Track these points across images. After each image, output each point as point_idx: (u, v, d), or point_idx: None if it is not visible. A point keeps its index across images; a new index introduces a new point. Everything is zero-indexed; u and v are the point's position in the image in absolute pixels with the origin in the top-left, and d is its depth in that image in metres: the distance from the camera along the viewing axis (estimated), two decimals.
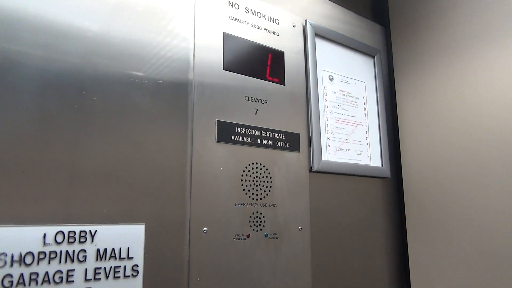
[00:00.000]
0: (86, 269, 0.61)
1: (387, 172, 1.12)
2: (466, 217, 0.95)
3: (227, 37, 0.87)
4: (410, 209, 1.10)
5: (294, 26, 1.01)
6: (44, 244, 0.58)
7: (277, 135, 0.90)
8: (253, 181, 0.85)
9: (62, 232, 0.60)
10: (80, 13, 0.68)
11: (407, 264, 1.11)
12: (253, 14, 0.93)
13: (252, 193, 0.84)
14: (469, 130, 0.97)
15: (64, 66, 0.65)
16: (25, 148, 0.59)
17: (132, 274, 0.66)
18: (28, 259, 0.57)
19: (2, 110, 0.58)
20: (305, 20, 1.03)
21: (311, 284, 0.90)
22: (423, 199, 1.06)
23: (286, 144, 0.92)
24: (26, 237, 0.57)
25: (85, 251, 0.62)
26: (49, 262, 0.58)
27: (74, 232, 0.61)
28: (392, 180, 1.18)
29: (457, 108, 1.00)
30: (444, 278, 0.98)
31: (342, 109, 1.07)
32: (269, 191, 0.87)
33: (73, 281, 0.60)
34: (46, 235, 0.59)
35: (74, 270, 0.60)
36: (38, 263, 0.57)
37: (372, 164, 1.10)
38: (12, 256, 0.56)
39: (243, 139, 0.85)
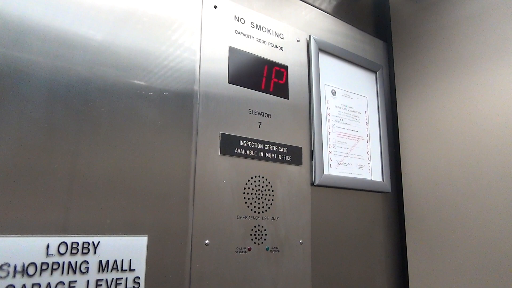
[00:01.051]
0: (88, 281, 0.61)
1: (387, 187, 1.13)
2: (466, 231, 0.96)
3: (232, 51, 0.88)
4: (410, 223, 1.10)
5: (298, 41, 1.02)
6: (47, 255, 0.58)
7: (280, 149, 0.91)
8: (255, 194, 0.85)
9: (65, 243, 0.60)
10: (86, 23, 0.69)
11: (406, 278, 1.10)
12: (258, 28, 0.95)
13: (254, 206, 0.84)
14: (469, 146, 0.98)
15: (71, 76, 0.66)
16: (30, 158, 0.60)
17: (134, 286, 0.65)
18: (31, 270, 0.57)
19: (9, 118, 0.59)
20: (309, 35, 1.04)
21: None
22: (423, 214, 1.07)
23: (288, 158, 0.92)
24: (30, 247, 0.57)
25: (87, 263, 0.61)
26: (51, 273, 0.58)
27: (77, 243, 0.61)
28: (393, 195, 1.18)
29: (457, 124, 1.01)
30: None
31: (344, 123, 1.08)
32: (271, 204, 0.87)
33: None
34: (50, 246, 0.59)
35: (76, 281, 0.60)
36: (40, 274, 0.57)
37: (373, 179, 1.11)
38: (15, 267, 0.56)
39: (246, 152, 0.85)
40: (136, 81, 0.73)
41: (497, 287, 0.88)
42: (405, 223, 1.11)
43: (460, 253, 0.96)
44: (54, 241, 0.59)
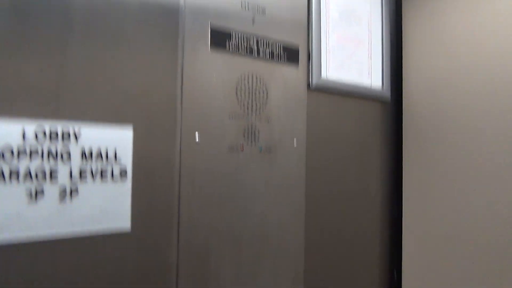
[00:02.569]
0: (70, 168, 0.58)
1: (387, 95, 1.08)
2: (463, 144, 0.93)
3: None
4: (408, 134, 1.07)
5: None
6: (24, 139, 0.55)
7: (275, 46, 0.84)
8: (248, 93, 0.80)
9: (44, 127, 0.56)
10: None
11: (400, 190, 1.10)
12: None
13: (247, 107, 0.80)
14: (474, 57, 0.92)
15: None
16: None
17: (120, 177, 0.63)
18: (7, 154, 0.53)
19: None
20: None
21: (304, 200, 0.89)
22: (422, 125, 1.03)
23: (284, 57, 0.86)
24: (4, 130, 0.53)
25: (69, 148, 0.58)
26: (30, 159, 0.55)
27: (57, 128, 0.57)
28: (392, 105, 1.14)
29: (464, 33, 0.94)
30: (436, 219, 0.98)
31: (345, 25, 1.00)
32: (265, 105, 0.83)
33: (57, 177, 0.57)
34: (26, 130, 0.55)
35: (57, 167, 0.57)
36: (18, 158, 0.54)
37: (373, 85, 1.05)
38: None
39: (238, 49, 0.79)
40: None
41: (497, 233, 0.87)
42: (403, 134, 1.09)
43: (456, 169, 0.94)
44: (31, 125, 0.55)
